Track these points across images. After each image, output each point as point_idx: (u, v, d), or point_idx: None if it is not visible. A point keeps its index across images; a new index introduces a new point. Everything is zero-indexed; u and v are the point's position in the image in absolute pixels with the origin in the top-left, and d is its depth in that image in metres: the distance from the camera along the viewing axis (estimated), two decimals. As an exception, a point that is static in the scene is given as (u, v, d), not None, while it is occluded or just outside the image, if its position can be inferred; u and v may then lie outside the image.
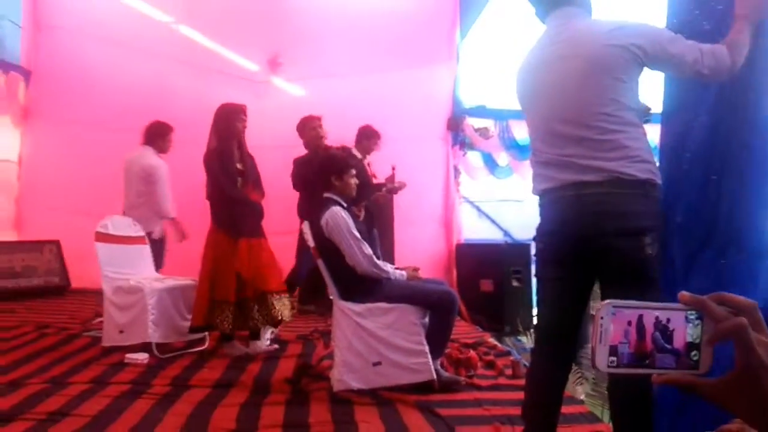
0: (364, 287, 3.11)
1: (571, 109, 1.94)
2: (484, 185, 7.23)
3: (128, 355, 3.53)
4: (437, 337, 3.11)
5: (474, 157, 7.17)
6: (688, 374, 0.63)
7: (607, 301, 0.63)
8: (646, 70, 1.92)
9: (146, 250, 4.38)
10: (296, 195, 5.07)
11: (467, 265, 6.17)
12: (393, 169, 5.42)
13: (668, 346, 0.63)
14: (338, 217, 3.12)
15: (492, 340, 4.43)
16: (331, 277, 3.16)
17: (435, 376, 3.02)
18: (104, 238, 4.03)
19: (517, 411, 2.35)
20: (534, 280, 5.30)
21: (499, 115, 6.94)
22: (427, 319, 3.11)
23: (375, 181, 5.32)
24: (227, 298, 3.66)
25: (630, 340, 0.63)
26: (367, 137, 5.25)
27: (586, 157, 1.89)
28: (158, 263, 4.56)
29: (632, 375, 0.64)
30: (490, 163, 7.15)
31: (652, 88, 2.15)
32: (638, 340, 0.63)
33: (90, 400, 2.79)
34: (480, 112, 7.06)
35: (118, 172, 4.71)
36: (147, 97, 6.21)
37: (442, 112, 6.89)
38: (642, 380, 1.90)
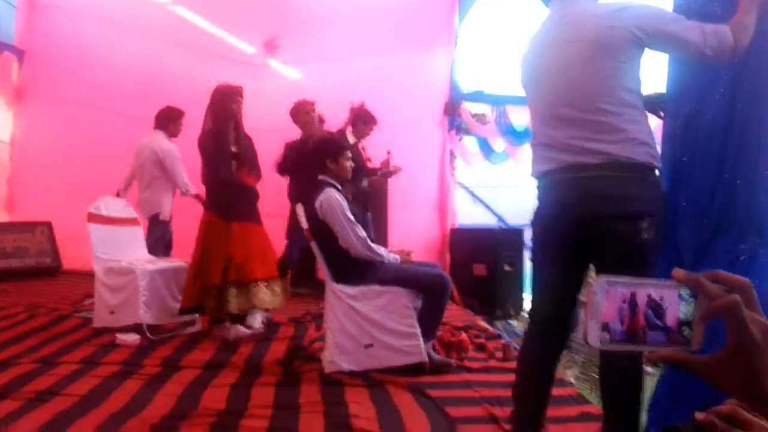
0: (358, 270, 3.11)
1: (575, 93, 1.92)
2: (479, 170, 7.22)
3: (119, 336, 3.52)
4: (429, 320, 3.11)
5: (470, 142, 7.16)
6: (680, 351, 0.63)
7: (601, 276, 0.63)
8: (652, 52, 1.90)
9: (139, 231, 4.38)
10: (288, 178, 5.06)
11: (461, 249, 6.18)
12: (388, 153, 5.40)
13: (660, 324, 0.62)
14: (333, 199, 3.11)
15: (483, 324, 4.44)
16: (325, 259, 3.15)
17: (426, 358, 3.02)
18: (96, 219, 4.01)
19: (507, 393, 2.35)
20: (526, 266, 5.36)
21: (496, 101, 6.92)
22: (419, 302, 3.11)
23: (370, 165, 5.30)
24: (213, 281, 3.61)
25: (622, 316, 0.62)
26: (364, 122, 5.20)
27: (588, 139, 1.88)
28: (167, 244, 4.72)
29: (624, 351, 0.64)
30: (486, 148, 7.14)
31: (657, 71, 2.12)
32: (630, 317, 0.62)
33: (80, 380, 2.79)
34: (477, 97, 7.04)
35: (113, 153, 4.72)
36: (142, 78, 6.18)
37: (439, 96, 6.86)
38: (634, 363, 1.91)
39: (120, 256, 3.97)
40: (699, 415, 0.59)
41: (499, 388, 2.76)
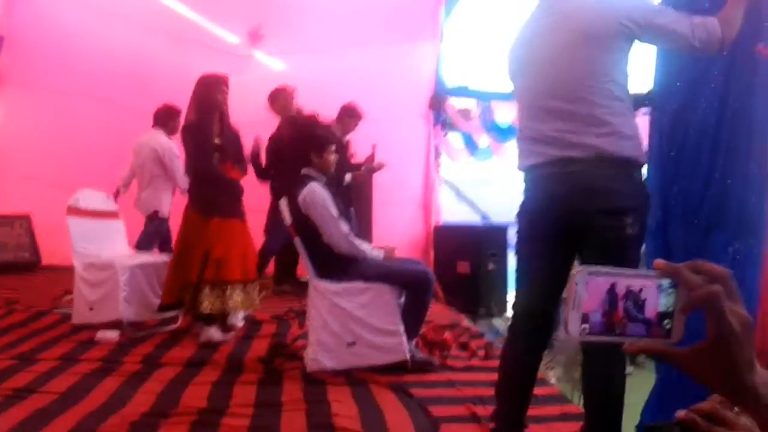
0: (340, 265, 3.09)
1: (562, 83, 1.92)
2: (463, 167, 7.21)
3: (99, 333, 3.46)
4: (412, 317, 3.10)
5: (455, 138, 7.15)
6: (659, 343, 0.63)
7: (582, 266, 0.62)
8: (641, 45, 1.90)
9: (119, 225, 4.32)
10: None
11: (445, 247, 6.17)
12: (373, 147, 5.36)
13: (640, 315, 0.62)
14: (316, 193, 3.08)
15: (467, 322, 4.45)
16: (308, 254, 3.13)
17: (408, 357, 3.02)
18: (76, 212, 3.94)
19: (489, 391, 2.36)
20: (510, 264, 5.36)
21: (482, 96, 6.91)
22: (402, 299, 3.10)
23: (354, 160, 5.27)
24: (190, 278, 3.51)
25: (602, 308, 0.62)
26: (350, 116, 5.16)
27: (574, 132, 1.88)
28: (165, 240, 4.70)
29: (603, 343, 0.63)
30: (471, 144, 7.13)
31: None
32: (610, 309, 0.62)
33: (58, 377, 2.75)
34: (462, 92, 7.02)
35: (95, 142, 4.63)
36: (125, 66, 6.06)
37: (425, 90, 6.83)
38: (616, 364, 1.92)
39: (100, 251, 3.91)
40: (680, 414, 0.59)
41: (482, 387, 2.76)
